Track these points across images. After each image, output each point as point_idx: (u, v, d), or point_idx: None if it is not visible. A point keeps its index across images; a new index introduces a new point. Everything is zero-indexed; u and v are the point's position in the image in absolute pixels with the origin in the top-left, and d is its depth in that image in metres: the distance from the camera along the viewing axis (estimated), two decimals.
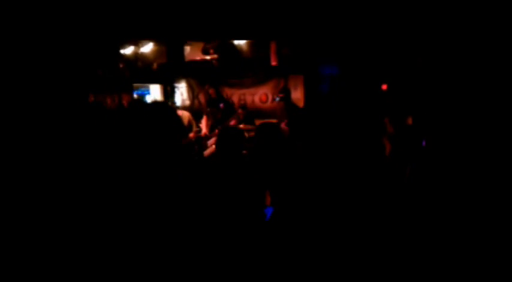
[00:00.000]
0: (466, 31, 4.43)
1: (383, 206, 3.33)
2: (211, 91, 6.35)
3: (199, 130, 6.71)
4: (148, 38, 7.93)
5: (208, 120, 6.35)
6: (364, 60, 5.88)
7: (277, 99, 6.01)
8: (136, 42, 8.18)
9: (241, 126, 6.02)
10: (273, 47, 7.43)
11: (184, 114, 6.04)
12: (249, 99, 7.68)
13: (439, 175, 3.44)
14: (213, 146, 6.19)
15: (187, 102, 8.32)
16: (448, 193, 3.36)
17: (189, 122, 6.02)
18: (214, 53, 7.69)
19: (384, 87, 5.19)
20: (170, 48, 8.33)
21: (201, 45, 8.09)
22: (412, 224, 3.21)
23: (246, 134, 6.42)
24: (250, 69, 7.69)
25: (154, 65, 8.74)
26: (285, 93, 5.84)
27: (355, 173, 3.44)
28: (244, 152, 6.11)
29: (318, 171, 3.45)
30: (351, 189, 3.35)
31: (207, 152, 6.25)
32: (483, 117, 3.86)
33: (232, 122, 6.00)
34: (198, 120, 7.05)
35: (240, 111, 6.20)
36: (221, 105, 6.22)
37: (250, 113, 6.77)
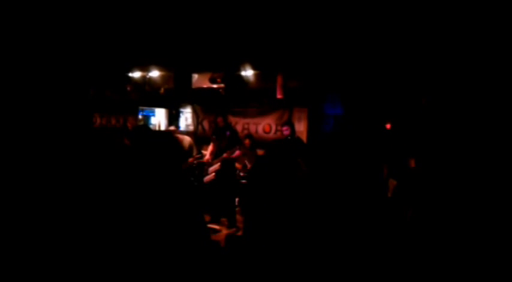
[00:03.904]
0: (471, 72, 4.52)
1: (382, 244, 3.29)
2: (219, 119, 6.35)
3: (202, 156, 6.72)
4: (157, 65, 8.11)
5: (213, 147, 6.38)
6: (369, 100, 5.96)
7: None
8: (145, 67, 8.35)
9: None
10: (279, 79, 7.55)
11: (186, 139, 6.06)
12: (252, 128, 7.72)
13: (441, 218, 3.42)
14: (213, 174, 6.20)
15: (191, 128, 8.38)
16: (447, 235, 3.34)
17: (190, 146, 6.04)
18: (221, 82, 7.81)
19: (388, 126, 5.23)
20: (178, 75, 8.48)
21: (208, 73, 8.24)
22: (409, 263, 3.17)
23: (248, 164, 6.45)
24: (255, 100, 7.78)
25: (162, 90, 8.87)
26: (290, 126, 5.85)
27: (356, 211, 3.42)
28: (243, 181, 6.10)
29: (318, 206, 3.43)
30: (351, 226, 3.33)
31: (206, 179, 6.25)
32: (486, 161, 3.87)
33: (237, 153, 6.02)
34: (200, 146, 7.08)
35: (246, 141, 6.24)
36: (227, 133, 6.24)
37: (254, 143, 6.80)
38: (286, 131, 5.57)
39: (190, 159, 6.02)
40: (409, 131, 4.79)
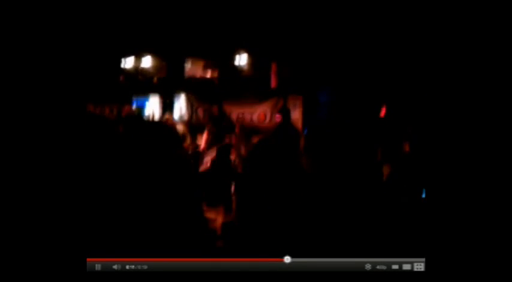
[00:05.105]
0: (466, 59, 4.53)
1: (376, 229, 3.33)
2: (214, 109, 6.34)
3: (197, 145, 6.71)
4: (149, 52, 8.02)
5: (208, 136, 6.37)
6: (363, 86, 5.96)
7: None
8: (138, 55, 8.26)
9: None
10: (273, 67, 7.52)
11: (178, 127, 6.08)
12: (247, 117, 7.71)
13: (438, 203, 3.45)
14: (208, 164, 6.19)
15: (186, 117, 8.34)
16: (441, 219, 3.37)
17: (183, 134, 6.05)
18: (215, 70, 7.77)
19: (383, 110, 5.24)
20: (171, 63, 8.41)
21: (202, 61, 8.18)
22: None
23: (243, 152, 6.44)
24: (250, 89, 7.75)
25: (155, 79, 8.79)
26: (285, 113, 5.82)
27: (351, 195, 3.44)
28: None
29: (315, 192, 3.45)
30: (347, 212, 3.35)
31: (202, 168, 6.24)
32: (480, 145, 3.90)
33: (227, 140, 6.01)
34: (195, 134, 7.05)
35: (237, 129, 6.22)
36: (223, 123, 6.24)
37: (248, 131, 6.78)
38: (277, 118, 5.65)
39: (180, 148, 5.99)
40: (403, 115, 4.80)
